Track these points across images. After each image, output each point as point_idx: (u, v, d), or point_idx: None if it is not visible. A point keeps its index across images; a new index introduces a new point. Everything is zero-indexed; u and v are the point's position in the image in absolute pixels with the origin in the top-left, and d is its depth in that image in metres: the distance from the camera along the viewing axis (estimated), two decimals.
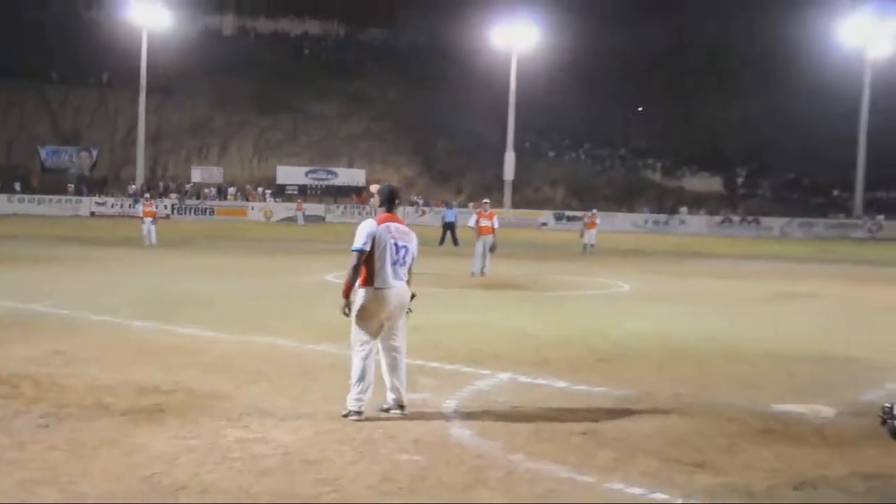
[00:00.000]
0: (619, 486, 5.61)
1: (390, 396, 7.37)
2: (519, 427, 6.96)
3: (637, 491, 5.51)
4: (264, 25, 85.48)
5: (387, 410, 7.33)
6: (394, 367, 7.45)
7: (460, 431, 6.82)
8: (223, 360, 9.53)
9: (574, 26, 71.93)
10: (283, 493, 5.30)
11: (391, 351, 7.50)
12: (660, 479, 5.76)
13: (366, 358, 7.33)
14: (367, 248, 7.33)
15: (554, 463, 6.03)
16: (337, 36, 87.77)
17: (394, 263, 7.45)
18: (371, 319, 7.43)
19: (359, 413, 7.10)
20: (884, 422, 6.11)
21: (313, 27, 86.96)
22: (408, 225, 7.85)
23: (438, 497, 5.32)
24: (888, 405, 6.18)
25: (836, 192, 70.11)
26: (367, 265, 7.37)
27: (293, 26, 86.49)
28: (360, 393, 7.18)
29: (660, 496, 5.44)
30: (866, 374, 9.78)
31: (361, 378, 7.24)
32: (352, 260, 7.40)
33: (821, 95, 68.23)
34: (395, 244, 7.46)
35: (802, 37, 67.94)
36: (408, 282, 7.64)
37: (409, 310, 7.75)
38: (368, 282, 7.37)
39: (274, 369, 9.06)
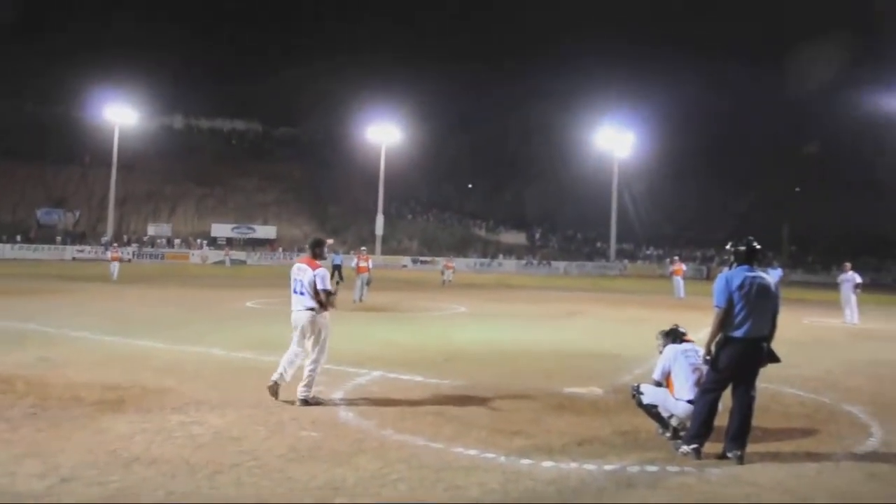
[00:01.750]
0: (460, 449, 5.57)
1: (277, 375, 7.16)
2: (388, 410, 6.85)
3: (473, 452, 5.49)
4: (204, 123, 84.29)
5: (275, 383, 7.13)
6: (292, 362, 7.26)
7: (346, 414, 6.66)
8: (170, 364, 9.07)
9: (425, 126, 73.14)
10: (214, 461, 5.05)
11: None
12: (488, 443, 5.76)
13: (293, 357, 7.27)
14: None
15: (414, 435, 5.95)
16: (257, 131, 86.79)
17: (294, 292, 7.35)
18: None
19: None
20: (633, 396, 6.28)
21: (239, 125, 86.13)
22: (311, 265, 7.32)
23: (331, 461, 5.17)
24: (635, 385, 6.37)
25: (598, 244, 73.00)
26: None
27: (225, 124, 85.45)
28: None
29: (489, 455, 5.44)
30: (621, 365, 10.07)
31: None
32: None
33: (587, 180, 71.55)
34: (294, 279, 7.33)
35: (573, 140, 71.25)
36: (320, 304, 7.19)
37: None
38: None
39: (208, 371, 8.69)
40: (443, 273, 34.08)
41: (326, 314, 7.28)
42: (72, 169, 70.76)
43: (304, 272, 7.27)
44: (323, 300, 7.19)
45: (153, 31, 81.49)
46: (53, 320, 13.72)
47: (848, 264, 19.45)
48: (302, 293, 7.24)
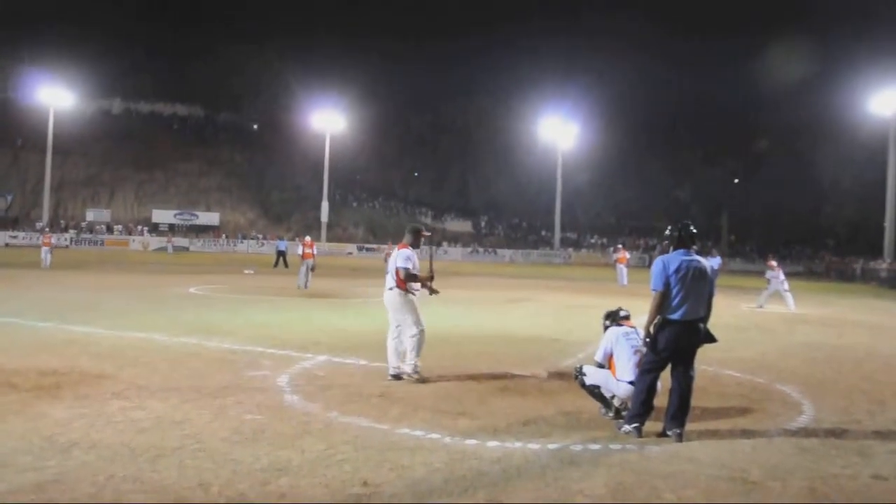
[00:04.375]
0: (405, 430, 5.61)
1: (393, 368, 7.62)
2: (333, 393, 6.85)
3: (419, 433, 5.53)
4: (143, 107, 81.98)
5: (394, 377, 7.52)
6: (397, 349, 7.63)
7: (291, 398, 6.63)
8: (109, 350, 8.85)
9: (370, 114, 72.64)
10: (156, 445, 4.97)
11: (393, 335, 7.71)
12: (434, 424, 5.82)
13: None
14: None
15: (359, 417, 5.97)
16: (198, 116, 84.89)
17: (386, 273, 7.78)
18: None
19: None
20: (576, 378, 6.42)
21: (181, 110, 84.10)
22: (408, 248, 7.76)
23: (275, 443, 5.15)
24: (578, 367, 6.50)
25: (543, 233, 73.88)
26: None
27: (165, 108, 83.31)
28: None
29: (434, 435, 5.49)
30: (564, 349, 10.28)
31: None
32: None
33: (532, 169, 72.31)
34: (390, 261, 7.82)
35: (518, 130, 71.84)
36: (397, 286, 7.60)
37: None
38: None
39: (148, 356, 8.50)
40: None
41: (410, 295, 7.63)
42: (2, 152, 68.23)
43: (394, 253, 7.76)
44: (402, 278, 7.54)
45: (91, 11, 78.72)
46: None
47: (773, 262, 20.00)
48: (389, 272, 7.71)
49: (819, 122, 65.41)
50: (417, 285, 7.69)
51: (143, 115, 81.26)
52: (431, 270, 7.85)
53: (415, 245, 7.79)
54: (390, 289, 7.65)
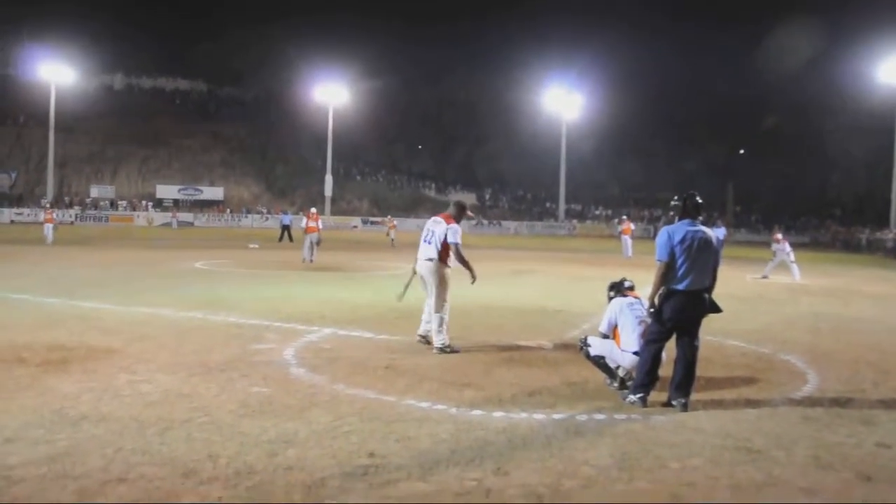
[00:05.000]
0: (412, 401, 5.64)
1: (423, 329, 7.83)
2: (339, 365, 6.88)
3: (424, 405, 5.56)
4: (146, 83, 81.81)
5: (422, 337, 7.76)
6: (430, 314, 7.70)
7: (297, 370, 6.66)
8: (116, 325, 8.89)
9: (373, 87, 72.17)
10: (165, 418, 5.02)
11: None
12: (440, 395, 5.85)
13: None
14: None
15: (365, 389, 6.00)
16: (201, 91, 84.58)
17: (422, 240, 7.77)
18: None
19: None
20: (581, 349, 6.43)
21: (183, 84, 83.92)
22: (447, 220, 7.77)
23: (282, 415, 5.18)
24: (582, 338, 6.52)
25: (548, 205, 73.66)
26: None
27: (168, 83, 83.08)
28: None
29: (440, 406, 5.52)
30: (569, 320, 10.31)
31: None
32: None
33: (537, 141, 71.82)
34: (427, 229, 7.77)
35: (522, 101, 71.27)
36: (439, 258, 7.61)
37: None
38: None
39: (155, 331, 8.54)
40: (388, 234, 33.88)
41: (448, 269, 7.61)
42: (5, 129, 68.41)
43: (438, 224, 7.69)
44: (451, 252, 7.53)
45: None
46: None
47: (778, 235, 19.96)
48: (429, 242, 7.59)
49: (826, 91, 64.77)
50: (453, 260, 7.67)
51: (146, 90, 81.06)
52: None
53: (458, 220, 7.81)
54: (429, 259, 7.63)
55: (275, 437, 4.69)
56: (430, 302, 7.72)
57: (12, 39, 68.43)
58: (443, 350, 7.46)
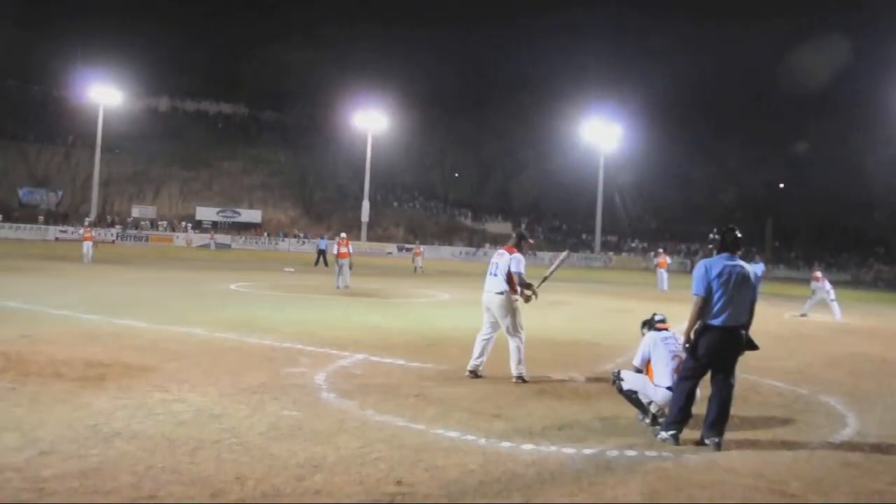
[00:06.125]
0: (441, 430, 5.61)
1: (473, 364, 7.85)
2: (370, 392, 6.88)
3: (454, 434, 5.53)
4: (190, 105, 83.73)
5: (472, 373, 7.79)
6: (484, 350, 7.84)
7: (328, 395, 6.68)
8: (151, 343, 9.04)
9: (412, 114, 72.97)
10: (195, 438, 5.06)
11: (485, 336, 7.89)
12: (469, 425, 5.81)
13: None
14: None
15: (395, 416, 5.99)
16: (243, 115, 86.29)
17: (489, 274, 7.88)
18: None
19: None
20: (613, 382, 6.35)
21: (226, 108, 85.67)
22: (517, 252, 7.88)
23: (311, 439, 5.19)
24: (616, 371, 6.43)
25: (584, 236, 73.29)
26: None
27: (211, 107, 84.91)
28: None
29: (469, 437, 5.48)
30: (602, 353, 10.19)
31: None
32: None
33: (574, 172, 71.74)
34: (493, 262, 7.95)
35: (561, 132, 71.31)
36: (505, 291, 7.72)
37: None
38: None
39: (189, 350, 8.66)
40: (413, 261, 34.16)
41: (516, 297, 7.73)
42: (55, 149, 70.46)
43: (502, 256, 7.86)
44: (515, 283, 7.69)
45: (139, 11, 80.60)
46: (35, 299, 13.67)
47: (818, 273, 19.60)
48: (495, 274, 7.77)
49: (868, 124, 63.69)
50: (519, 287, 7.83)
51: (189, 113, 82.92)
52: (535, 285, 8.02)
53: (520, 249, 7.95)
54: (499, 293, 7.73)
55: (303, 461, 4.70)
56: (490, 334, 7.87)
57: (64, 63, 70.66)
58: (521, 379, 7.56)
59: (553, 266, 8.49)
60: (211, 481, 4.25)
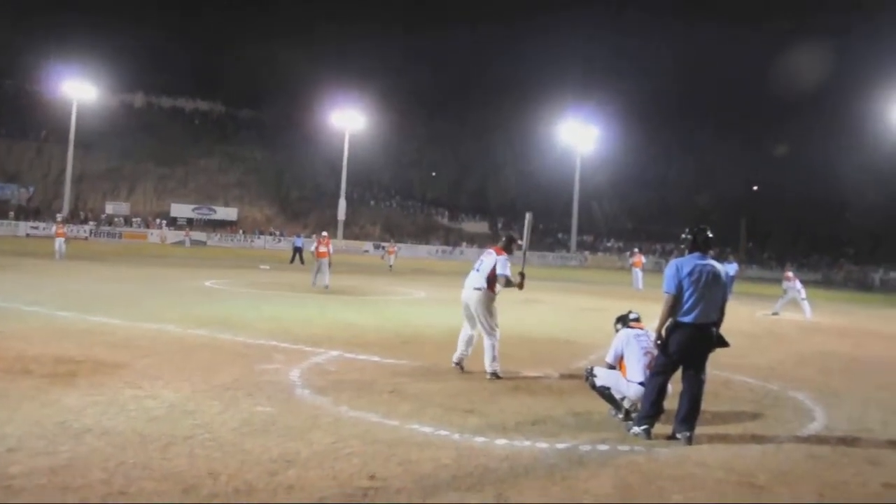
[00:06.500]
0: (415, 426, 5.63)
1: (457, 356, 8.03)
2: (344, 388, 6.87)
3: (428, 429, 5.54)
4: (166, 102, 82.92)
5: (457, 364, 7.99)
6: (469, 343, 7.98)
7: (302, 391, 6.66)
8: (124, 340, 8.95)
9: (389, 113, 72.84)
10: (168, 434, 5.02)
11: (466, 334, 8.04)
12: (443, 421, 5.83)
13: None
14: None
15: (369, 412, 5.99)
16: (219, 112, 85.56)
17: (473, 270, 8.05)
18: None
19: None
20: (586, 379, 6.41)
21: (202, 105, 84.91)
22: (497, 252, 8.03)
23: (284, 435, 5.18)
24: (589, 367, 6.49)
25: (560, 235, 73.67)
26: None
27: (187, 104, 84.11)
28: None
29: (443, 432, 5.50)
30: (576, 350, 10.26)
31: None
32: None
33: (551, 172, 72.15)
34: (479, 259, 8.16)
35: (537, 132, 71.66)
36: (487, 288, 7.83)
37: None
38: None
39: (162, 347, 8.59)
40: (384, 258, 34.29)
41: (494, 295, 7.89)
42: (26, 144, 69.48)
43: (489, 255, 8.04)
44: (499, 283, 7.84)
45: (114, 6, 79.66)
46: (5, 295, 13.46)
47: (790, 273, 19.95)
48: (478, 270, 7.93)
49: (842, 128, 64.78)
50: (500, 287, 7.97)
51: (165, 109, 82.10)
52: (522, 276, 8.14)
53: (508, 251, 8.15)
54: (477, 288, 7.85)
55: (276, 456, 4.69)
56: (471, 333, 7.97)
57: (37, 57, 69.66)
58: (495, 376, 7.63)
59: (525, 236, 8.56)
60: (183, 477, 4.22)
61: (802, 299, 18.85)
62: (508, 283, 7.91)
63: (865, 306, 26.99)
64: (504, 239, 8.36)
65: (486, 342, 7.77)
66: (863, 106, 55.09)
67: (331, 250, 20.85)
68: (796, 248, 68.31)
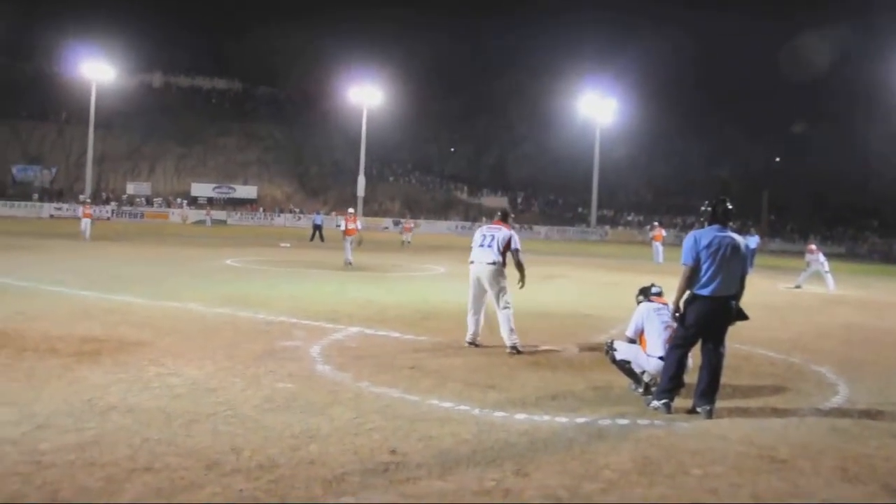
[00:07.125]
0: (436, 401, 5.66)
1: (470, 335, 8.03)
2: (364, 364, 6.92)
3: (448, 405, 5.57)
4: (184, 81, 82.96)
5: (472, 343, 7.97)
6: (478, 322, 8.05)
7: (322, 367, 6.72)
8: (147, 318, 9.07)
9: (408, 88, 72.35)
10: (191, 411, 5.09)
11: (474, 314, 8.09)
12: (463, 396, 5.85)
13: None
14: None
15: (389, 387, 6.03)
16: (237, 90, 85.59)
17: (479, 245, 7.95)
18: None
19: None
20: (606, 353, 6.40)
21: (220, 84, 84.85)
22: (504, 227, 8.09)
23: (306, 411, 5.23)
24: (609, 342, 6.48)
25: (580, 210, 73.20)
26: None
27: (205, 83, 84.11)
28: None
29: (463, 407, 5.52)
30: (596, 325, 10.25)
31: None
32: None
33: (570, 146, 71.52)
34: (483, 234, 8.03)
35: (556, 106, 70.92)
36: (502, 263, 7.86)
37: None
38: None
39: (184, 325, 8.70)
40: (401, 233, 34.01)
41: (504, 269, 7.88)
42: (48, 126, 70.10)
43: (497, 230, 7.99)
44: (514, 259, 7.89)
45: None
46: (30, 275, 13.67)
47: (813, 245, 19.82)
48: (490, 246, 7.86)
49: (865, 97, 63.47)
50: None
51: (183, 89, 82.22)
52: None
53: (509, 224, 8.22)
54: (492, 263, 7.84)
55: (298, 432, 4.74)
56: (479, 311, 8.01)
57: (56, 38, 69.94)
58: (515, 349, 7.65)
59: None
60: (207, 453, 4.28)
61: (826, 272, 18.64)
62: (520, 260, 7.97)
63: (890, 279, 26.63)
64: (500, 213, 8.43)
65: (502, 316, 7.79)
66: (888, 74, 53.86)
67: (359, 226, 20.78)
68: (819, 220, 67.43)
